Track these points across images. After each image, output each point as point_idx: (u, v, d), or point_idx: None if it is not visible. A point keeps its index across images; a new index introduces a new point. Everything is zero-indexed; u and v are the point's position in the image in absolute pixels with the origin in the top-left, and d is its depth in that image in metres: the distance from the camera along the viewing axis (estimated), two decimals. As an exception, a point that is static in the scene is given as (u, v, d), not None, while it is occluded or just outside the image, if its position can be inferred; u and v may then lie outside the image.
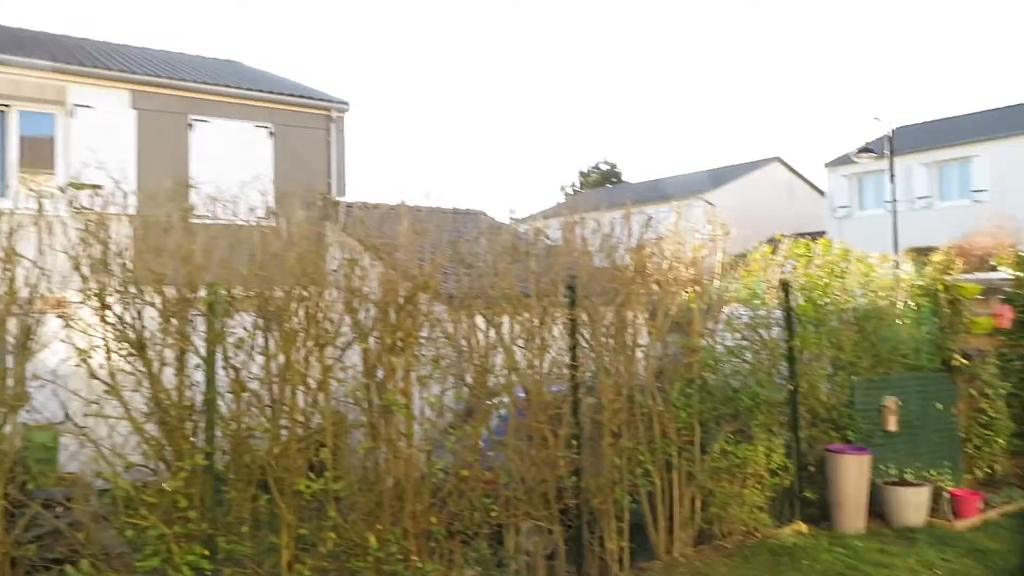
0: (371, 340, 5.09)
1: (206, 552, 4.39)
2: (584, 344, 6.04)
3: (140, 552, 4.33)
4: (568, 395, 5.79)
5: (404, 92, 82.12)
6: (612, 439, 5.95)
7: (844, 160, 27.85)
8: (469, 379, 5.52)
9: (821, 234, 15.80)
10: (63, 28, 37.72)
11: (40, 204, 4.54)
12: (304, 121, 14.02)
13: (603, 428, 5.90)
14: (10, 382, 4.46)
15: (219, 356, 4.67)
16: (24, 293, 4.53)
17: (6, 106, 11.86)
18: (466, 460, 5.23)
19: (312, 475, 4.77)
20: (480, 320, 5.57)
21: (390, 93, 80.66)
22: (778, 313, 7.44)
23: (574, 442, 5.76)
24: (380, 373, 5.08)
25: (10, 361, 4.53)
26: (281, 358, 4.84)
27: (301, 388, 4.89)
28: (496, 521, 5.38)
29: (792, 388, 7.26)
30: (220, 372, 4.68)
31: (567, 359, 5.82)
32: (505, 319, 5.63)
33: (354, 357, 5.25)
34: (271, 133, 13.65)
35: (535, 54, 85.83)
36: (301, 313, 4.90)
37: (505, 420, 5.63)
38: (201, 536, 4.43)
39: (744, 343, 7.44)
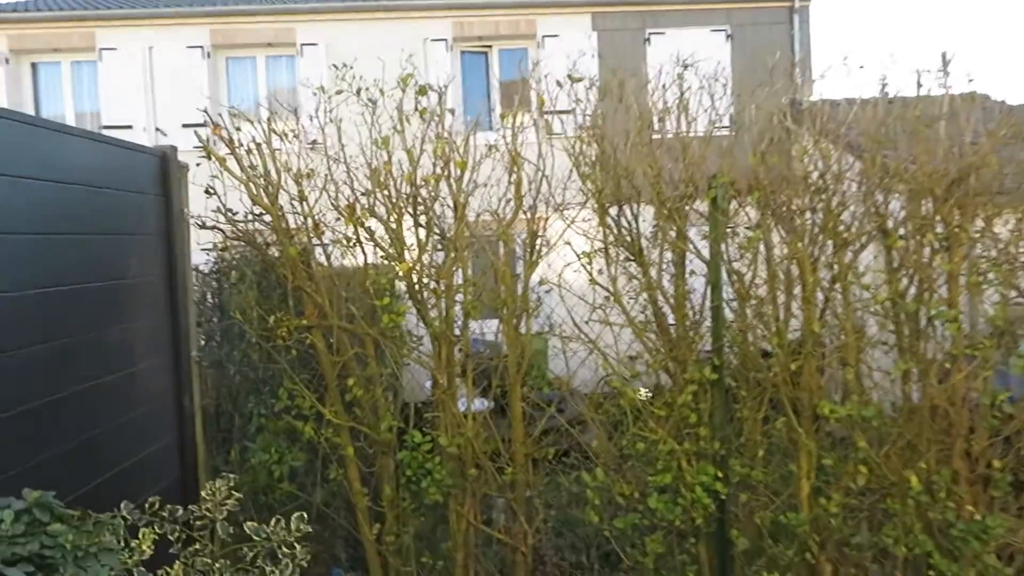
0: (901, 238, 4.10)
1: (719, 474, 3.99)
2: None
3: (651, 466, 4.10)
4: None
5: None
6: None
7: None
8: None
9: None
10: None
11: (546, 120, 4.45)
12: (763, 17, 12.87)
13: None
14: (519, 288, 4.52)
15: (723, 259, 4.16)
16: (528, 200, 4.52)
17: (488, 47, 13.00)
18: (1040, 391, 3.99)
19: (835, 398, 4.05)
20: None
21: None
22: None
23: None
24: (916, 279, 4.08)
25: (519, 268, 4.61)
26: (792, 264, 4.15)
27: (817, 296, 4.15)
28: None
29: None
30: (724, 277, 4.18)
31: None
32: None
33: (869, 260, 4.33)
34: (728, 35, 12.81)
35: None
36: (817, 207, 4.12)
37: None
38: (713, 456, 4.04)
39: None
